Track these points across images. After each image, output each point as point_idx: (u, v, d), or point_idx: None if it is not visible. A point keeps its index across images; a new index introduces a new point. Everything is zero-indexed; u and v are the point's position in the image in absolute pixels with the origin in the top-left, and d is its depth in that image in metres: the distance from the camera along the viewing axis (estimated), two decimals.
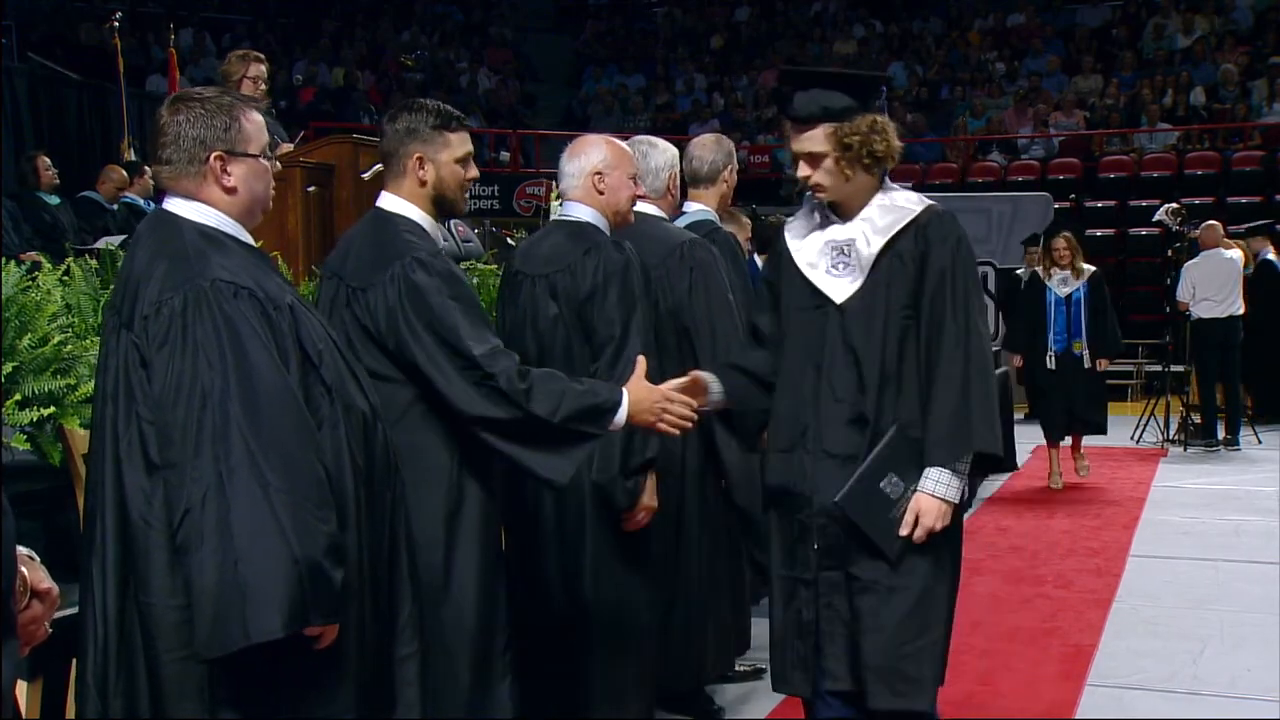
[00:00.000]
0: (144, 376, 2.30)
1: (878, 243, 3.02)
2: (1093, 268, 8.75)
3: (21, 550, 1.99)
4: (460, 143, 3.08)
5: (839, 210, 3.09)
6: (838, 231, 3.08)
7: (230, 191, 2.45)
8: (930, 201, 3.10)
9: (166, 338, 2.28)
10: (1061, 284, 8.68)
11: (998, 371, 8.21)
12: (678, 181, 4.11)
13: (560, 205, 3.70)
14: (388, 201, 3.08)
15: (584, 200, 3.55)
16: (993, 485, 8.75)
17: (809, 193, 3.08)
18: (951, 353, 2.96)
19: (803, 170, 3.04)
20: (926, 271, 3.00)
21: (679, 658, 3.91)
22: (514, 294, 3.55)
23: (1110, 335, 8.71)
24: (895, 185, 3.13)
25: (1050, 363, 8.70)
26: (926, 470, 2.97)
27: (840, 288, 3.04)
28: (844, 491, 2.95)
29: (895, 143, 3.05)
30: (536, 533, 3.44)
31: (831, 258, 3.06)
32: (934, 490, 2.97)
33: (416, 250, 2.90)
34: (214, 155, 2.43)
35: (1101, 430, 8.85)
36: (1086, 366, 8.64)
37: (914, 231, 3.03)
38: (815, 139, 3.01)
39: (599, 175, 3.53)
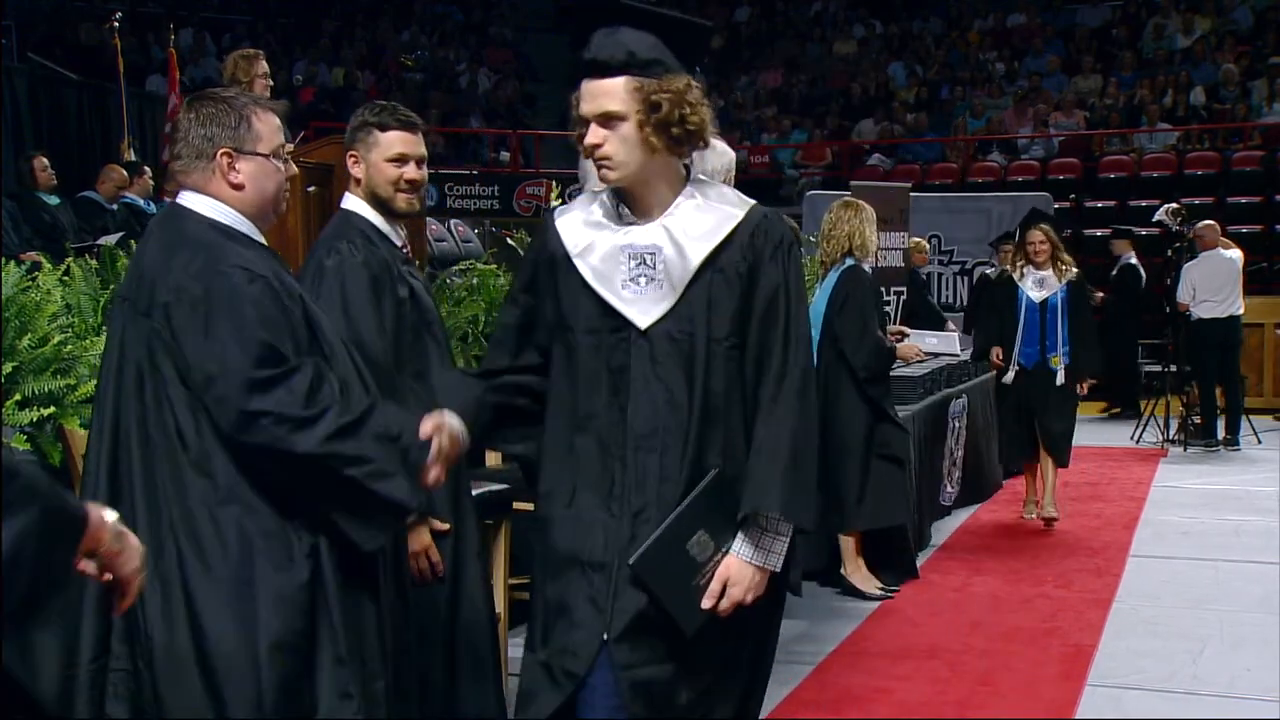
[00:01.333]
0: (168, 361, 2.33)
1: (697, 253, 2.39)
2: (1075, 269, 7.44)
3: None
4: (392, 142, 3.17)
5: (632, 202, 2.43)
6: (638, 234, 2.42)
7: (238, 188, 2.48)
8: (751, 201, 2.50)
9: (188, 324, 2.32)
10: (1037, 286, 7.32)
11: (984, 378, 8.20)
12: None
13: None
14: (347, 200, 3.24)
15: None
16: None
17: (599, 169, 2.41)
18: (779, 393, 2.40)
19: (593, 135, 2.37)
20: (755, 292, 2.42)
21: None
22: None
23: (1090, 351, 7.34)
24: (703, 176, 2.51)
25: (1009, 377, 7.39)
26: (739, 530, 2.38)
27: (644, 309, 2.39)
28: (639, 552, 2.35)
29: (708, 117, 2.42)
30: None
31: (629, 268, 2.40)
32: (747, 555, 2.37)
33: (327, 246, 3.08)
34: (220, 151, 2.46)
35: (1061, 463, 7.41)
36: (1060, 384, 7.25)
37: (740, 240, 2.42)
38: (613, 94, 2.37)
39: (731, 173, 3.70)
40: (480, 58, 20.64)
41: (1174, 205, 10.87)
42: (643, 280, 2.39)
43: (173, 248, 2.40)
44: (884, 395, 5.87)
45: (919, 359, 6.66)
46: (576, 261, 2.43)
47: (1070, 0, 19.72)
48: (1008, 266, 7.62)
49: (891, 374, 6.14)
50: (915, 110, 18.21)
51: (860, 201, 6.06)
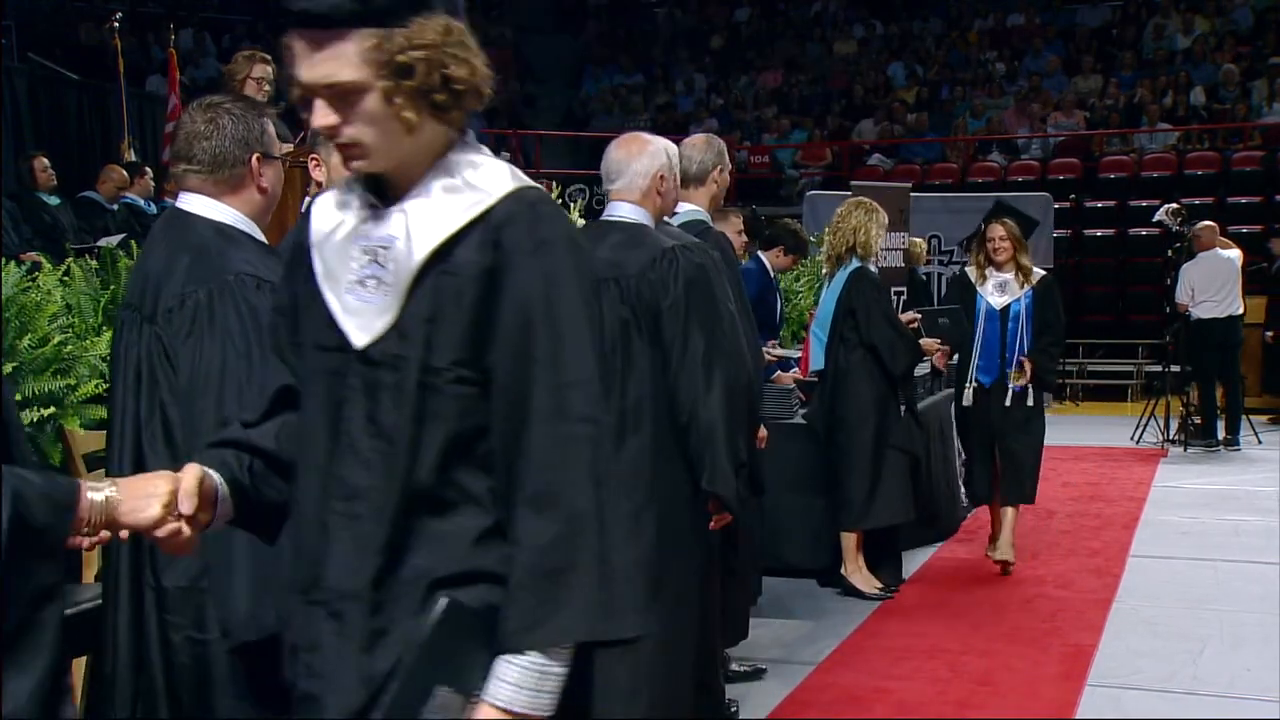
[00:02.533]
0: (169, 367, 2.36)
1: (422, 247, 1.68)
2: (1042, 271, 6.52)
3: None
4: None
5: (387, 181, 1.73)
6: (375, 222, 1.73)
7: (263, 192, 2.56)
8: (526, 181, 1.75)
9: (192, 329, 2.34)
10: (998, 290, 6.29)
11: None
12: (675, 182, 4.05)
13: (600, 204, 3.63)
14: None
15: (640, 202, 3.46)
16: None
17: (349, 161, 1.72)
18: (542, 454, 1.64)
19: (322, 115, 1.65)
20: (499, 304, 1.67)
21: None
22: None
23: (1044, 363, 6.32)
24: (483, 148, 1.79)
25: (967, 397, 6.37)
26: (497, 664, 1.63)
27: (364, 322, 1.70)
28: None
29: (482, 68, 1.76)
30: None
31: (359, 266, 1.73)
32: (506, 700, 1.62)
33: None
34: (255, 156, 2.52)
35: (1026, 499, 6.36)
36: (1030, 404, 6.30)
37: (483, 231, 1.68)
38: (342, 58, 1.64)
39: (663, 179, 3.48)
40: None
41: (1174, 205, 10.86)
42: (371, 283, 1.70)
43: (176, 253, 2.42)
44: (912, 392, 5.92)
45: (940, 350, 6.34)
46: (313, 253, 1.78)
47: (1070, 0, 19.72)
48: (969, 268, 6.57)
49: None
50: (915, 110, 18.21)
51: (873, 203, 6.06)
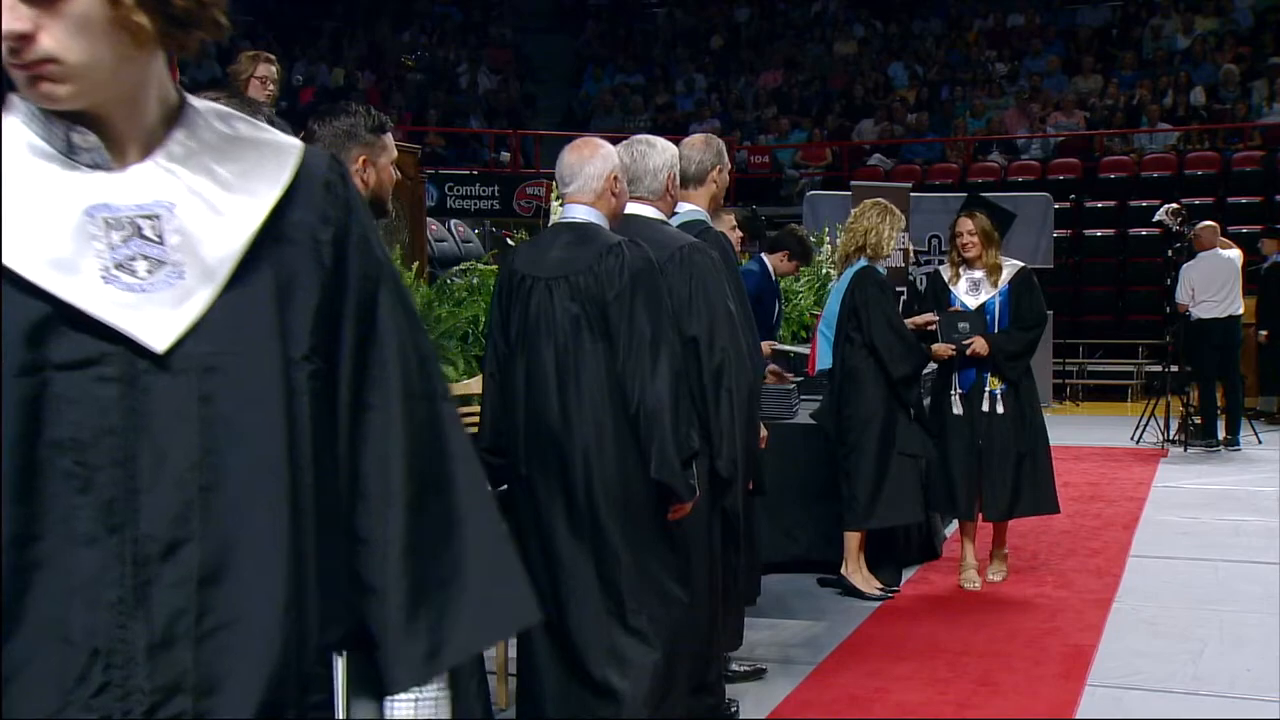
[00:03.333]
0: None
1: (248, 211, 1.32)
2: (1017, 264, 5.97)
3: None
4: (392, 146, 3.16)
5: (99, 129, 1.29)
6: (119, 187, 1.30)
7: None
8: (294, 138, 1.43)
9: None
10: (971, 289, 5.90)
11: None
12: (676, 182, 4.05)
13: (561, 205, 3.67)
14: None
15: (594, 203, 3.51)
16: None
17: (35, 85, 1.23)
18: (391, 447, 1.37)
19: (13, 17, 1.21)
20: (345, 280, 1.37)
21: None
22: (523, 298, 3.48)
23: (1010, 358, 5.80)
24: (198, 100, 1.38)
25: (956, 405, 5.91)
26: (388, 701, 1.36)
27: (155, 318, 1.26)
28: None
29: None
30: (565, 534, 3.41)
31: (112, 246, 1.27)
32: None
33: None
34: None
35: (1048, 508, 6.03)
36: (1000, 411, 5.82)
37: (310, 190, 1.37)
38: None
39: (615, 179, 3.52)
40: (480, 58, 20.64)
41: (1174, 205, 10.86)
42: (142, 265, 1.26)
43: None
44: (916, 396, 5.90)
45: (951, 356, 5.92)
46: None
47: (1070, 0, 19.73)
48: (942, 265, 6.17)
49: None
50: (915, 110, 18.22)
51: (890, 204, 6.05)
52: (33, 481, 1.20)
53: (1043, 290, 6.09)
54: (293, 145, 1.38)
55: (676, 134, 15.19)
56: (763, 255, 6.57)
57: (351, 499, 1.35)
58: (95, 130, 1.28)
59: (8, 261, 1.21)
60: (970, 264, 5.92)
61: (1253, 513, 7.70)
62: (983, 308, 5.87)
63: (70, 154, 1.28)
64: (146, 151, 1.31)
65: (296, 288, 1.32)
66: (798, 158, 18.18)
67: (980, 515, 5.97)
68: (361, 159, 3.06)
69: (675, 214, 4.25)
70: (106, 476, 1.22)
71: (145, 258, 1.27)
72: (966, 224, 5.90)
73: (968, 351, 5.79)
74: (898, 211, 5.99)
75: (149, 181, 1.30)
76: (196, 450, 1.23)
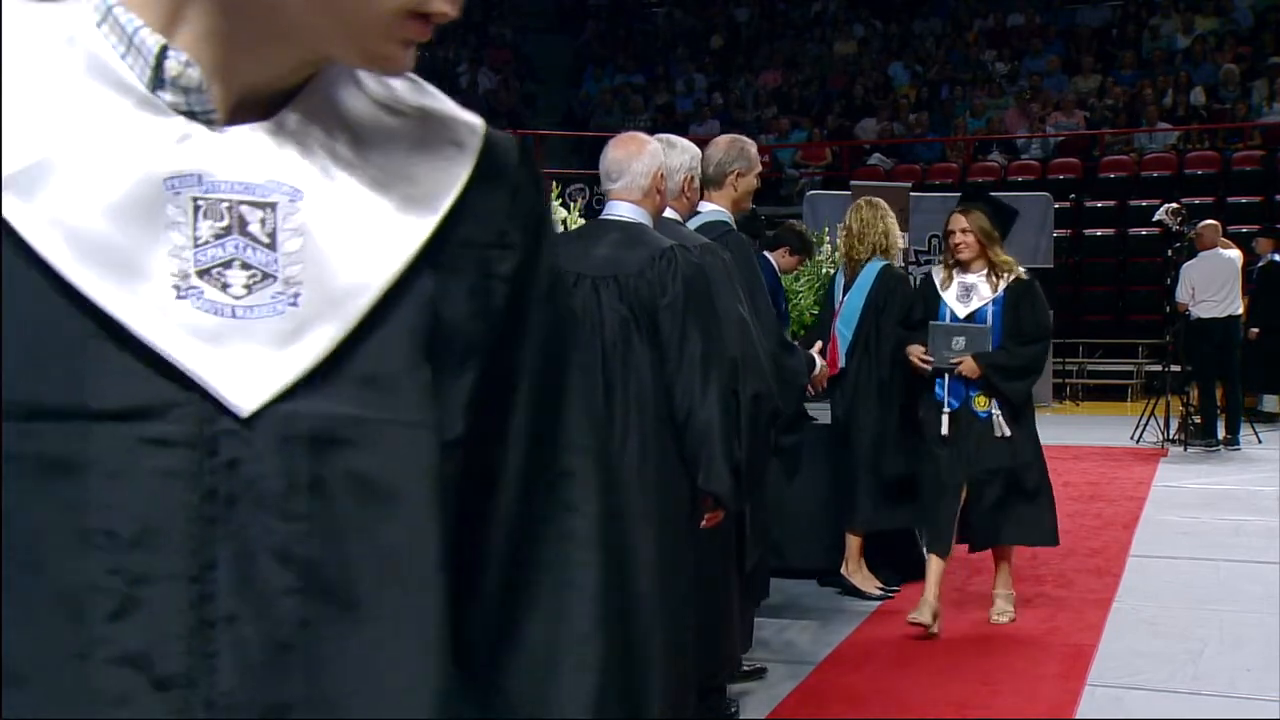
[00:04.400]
0: None
1: (411, 227, 0.85)
2: (1020, 269, 5.28)
3: None
4: None
5: (205, 66, 0.80)
6: (217, 149, 0.80)
7: None
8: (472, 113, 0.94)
9: None
10: (962, 296, 5.22)
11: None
12: (695, 184, 4.01)
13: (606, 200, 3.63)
14: None
15: (641, 201, 3.46)
16: None
17: None
18: (576, 602, 0.97)
19: None
20: (521, 336, 0.91)
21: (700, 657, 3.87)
22: None
23: (1012, 376, 5.15)
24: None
25: (943, 425, 5.17)
26: None
27: (252, 361, 0.78)
28: None
29: None
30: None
31: (198, 244, 0.78)
32: None
33: None
34: None
35: (1043, 538, 5.36)
36: (999, 435, 5.12)
37: (494, 194, 0.90)
38: None
39: (662, 177, 3.48)
40: (480, 58, 20.65)
41: (1174, 205, 10.86)
42: (238, 279, 0.80)
43: None
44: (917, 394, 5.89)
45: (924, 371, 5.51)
46: (10, 209, 0.75)
47: (1070, 0, 19.73)
48: (935, 267, 5.59)
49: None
50: (915, 110, 18.22)
51: (879, 200, 6.06)
52: (33, 596, 0.74)
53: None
54: (474, 124, 0.91)
55: (677, 134, 15.11)
56: (765, 254, 6.57)
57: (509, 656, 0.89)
58: (206, 63, 0.80)
59: (36, 243, 0.75)
60: (965, 267, 5.20)
61: (1253, 513, 7.70)
62: (973, 317, 5.18)
63: (156, 88, 0.79)
64: (269, 107, 0.83)
65: (455, 340, 0.85)
66: (798, 157, 18.17)
67: (966, 547, 5.38)
68: None
69: (697, 214, 4.25)
70: (160, 595, 0.75)
71: (246, 266, 0.80)
72: (960, 221, 5.20)
73: (954, 372, 5.15)
74: (884, 204, 6.01)
75: (267, 151, 0.82)
76: (302, 564, 0.77)
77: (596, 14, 22.42)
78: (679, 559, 3.41)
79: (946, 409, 5.19)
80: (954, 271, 5.25)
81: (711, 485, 3.34)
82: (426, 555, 0.82)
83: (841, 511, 5.90)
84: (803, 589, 5.93)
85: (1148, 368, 13.48)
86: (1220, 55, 17.03)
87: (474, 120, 0.91)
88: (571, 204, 5.96)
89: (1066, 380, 13.89)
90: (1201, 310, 10.30)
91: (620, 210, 3.48)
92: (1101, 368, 14.41)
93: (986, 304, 5.19)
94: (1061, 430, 10.75)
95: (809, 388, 4.71)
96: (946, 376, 5.17)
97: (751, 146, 4.46)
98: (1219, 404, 10.55)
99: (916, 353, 5.25)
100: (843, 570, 5.86)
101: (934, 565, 5.20)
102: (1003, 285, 5.18)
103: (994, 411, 5.13)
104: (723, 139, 4.48)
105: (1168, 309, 10.92)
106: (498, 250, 0.89)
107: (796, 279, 8.57)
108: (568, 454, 0.91)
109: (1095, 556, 6.65)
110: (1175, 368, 10.52)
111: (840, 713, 4.35)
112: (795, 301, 8.45)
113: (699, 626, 3.64)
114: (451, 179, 0.87)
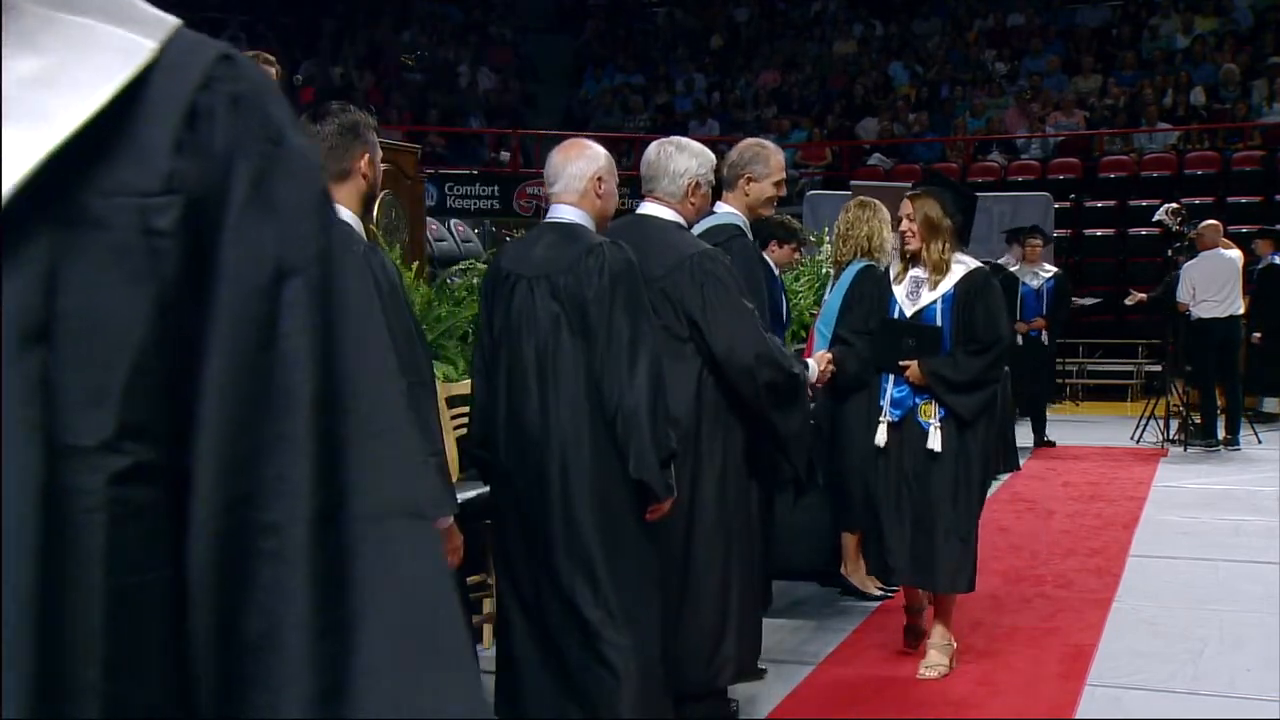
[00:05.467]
0: None
1: (19, 157, 0.65)
2: (972, 263, 4.69)
3: None
4: (375, 143, 3.19)
5: None
6: None
7: None
8: (176, 20, 0.73)
9: None
10: (911, 291, 4.65)
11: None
12: (702, 190, 3.95)
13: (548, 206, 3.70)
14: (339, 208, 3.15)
15: (579, 204, 3.56)
16: (994, 484, 8.74)
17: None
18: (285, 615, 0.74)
19: None
20: (209, 295, 0.70)
21: (695, 657, 3.88)
22: (506, 295, 3.53)
23: (958, 388, 4.52)
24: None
25: (880, 435, 4.62)
26: None
27: None
28: None
29: None
30: (543, 531, 3.42)
31: None
32: None
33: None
34: None
35: (956, 583, 4.58)
36: (936, 449, 4.51)
37: (165, 112, 0.70)
38: None
39: (600, 180, 3.56)
40: (480, 57, 20.64)
41: (1174, 205, 10.86)
42: None
43: None
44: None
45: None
46: None
47: (1070, 0, 19.73)
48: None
49: None
50: (915, 110, 18.22)
51: (875, 201, 6.04)
52: None
53: None
54: (157, 24, 0.71)
55: (677, 134, 15.11)
56: (762, 254, 6.57)
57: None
58: None
59: None
60: (916, 259, 4.67)
61: (1253, 513, 7.70)
62: (920, 316, 4.63)
63: None
64: None
65: (95, 315, 0.67)
66: (798, 157, 18.17)
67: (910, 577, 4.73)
68: (365, 157, 3.10)
69: (712, 213, 4.25)
70: None
71: None
72: (906, 207, 4.67)
73: (924, 419, 4.57)
74: (881, 205, 5.98)
75: None
76: None
77: (596, 14, 22.42)
78: (627, 552, 3.41)
79: (886, 417, 4.62)
80: (908, 265, 4.72)
81: (641, 472, 3.35)
82: (17, 598, 0.64)
83: (837, 512, 5.90)
84: (803, 590, 5.93)
85: (1148, 368, 13.48)
86: (1220, 55, 17.03)
87: (159, 20, 0.71)
88: None
89: (1066, 380, 13.89)
90: (1202, 310, 10.29)
91: (559, 213, 3.58)
92: (1101, 368, 14.41)
93: (933, 303, 4.62)
94: (1061, 430, 10.75)
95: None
96: (890, 381, 4.63)
97: (775, 154, 4.35)
98: (1219, 404, 10.54)
99: (823, 359, 4.60)
100: (843, 570, 5.86)
101: (911, 596, 4.81)
102: (951, 281, 4.59)
103: (933, 423, 4.54)
104: (748, 141, 4.46)
105: (1155, 303, 10.92)
106: (160, 196, 0.68)
107: (796, 279, 8.58)
108: (278, 428, 0.70)
109: (1095, 556, 6.65)
110: (1155, 368, 10.43)
111: (840, 713, 4.35)
112: (795, 301, 8.45)
113: (686, 628, 3.66)
114: (87, 99, 0.66)
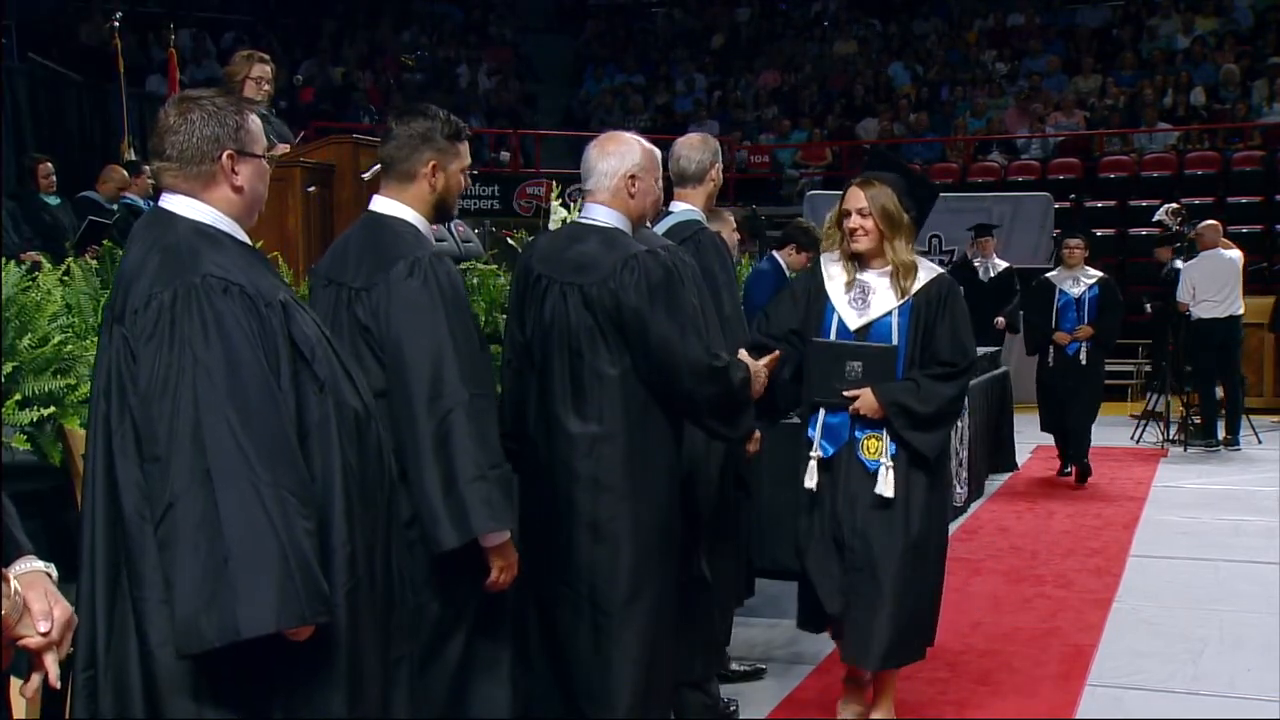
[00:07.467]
0: (134, 370, 2.28)
1: None
2: (934, 269, 3.96)
3: (38, 565, 1.99)
4: (466, 154, 3.16)
5: None
6: None
7: (237, 190, 2.45)
8: None
9: (154, 331, 2.26)
10: (857, 300, 3.88)
11: (984, 378, 8.15)
12: (640, 187, 3.56)
13: (580, 204, 3.60)
14: (384, 205, 3.12)
15: (610, 204, 3.44)
16: (993, 484, 8.75)
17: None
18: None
19: None
20: None
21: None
22: (538, 298, 3.42)
23: (903, 401, 3.75)
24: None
25: (810, 474, 3.88)
26: None
27: None
28: None
29: None
30: (553, 528, 3.41)
31: None
32: None
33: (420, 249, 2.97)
34: (226, 154, 2.42)
35: (910, 654, 3.99)
36: (879, 492, 3.78)
37: None
38: None
39: (633, 179, 3.43)
40: (480, 58, 20.64)
41: (1174, 205, 10.87)
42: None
43: (150, 253, 2.36)
44: None
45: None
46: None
47: (1070, 0, 19.73)
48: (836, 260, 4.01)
49: None
50: (915, 110, 18.22)
51: None
52: None
53: None
54: None
55: (676, 134, 15.11)
56: (774, 253, 6.58)
57: None
58: None
59: None
60: (864, 261, 3.88)
61: (1253, 513, 7.70)
62: (869, 331, 3.85)
63: None
64: None
65: None
66: (798, 157, 18.18)
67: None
68: (431, 164, 3.08)
69: (669, 213, 4.20)
70: None
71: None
72: (858, 198, 3.86)
73: (849, 409, 3.79)
74: None
75: None
76: None
77: (596, 14, 22.42)
78: (648, 550, 3.38)
79: (816, 452, 3.84)
80: (852, 266, 3.91)
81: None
82: None
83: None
84: None
85: (1147, 368, 13.48)
86: (1220, 55, 17.03)
87: None
88: (572, 204, 5.96)
89: None
90: (1202, 310, 10.29)
91: (593, 213, 3.48)
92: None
93: (889, 314, 3.85)
94: None
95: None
96: (822, 412, 3.83)
97: (716, 141, 4.40)
98: (1219, 404, 10.54)
99: (760, 378, 3.63)
100: None
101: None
102: (913, 289, 3.84)
103: (885, 463, 3.74)
104: (694, 137, 4.37)
105: (1149, 307, 10.90)
106: None
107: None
108: None
109: (1095, 556, 6.65)
110: (1147, 367, 10.42)
111: (840, 713, 4.35)
112: None
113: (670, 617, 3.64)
114: None
